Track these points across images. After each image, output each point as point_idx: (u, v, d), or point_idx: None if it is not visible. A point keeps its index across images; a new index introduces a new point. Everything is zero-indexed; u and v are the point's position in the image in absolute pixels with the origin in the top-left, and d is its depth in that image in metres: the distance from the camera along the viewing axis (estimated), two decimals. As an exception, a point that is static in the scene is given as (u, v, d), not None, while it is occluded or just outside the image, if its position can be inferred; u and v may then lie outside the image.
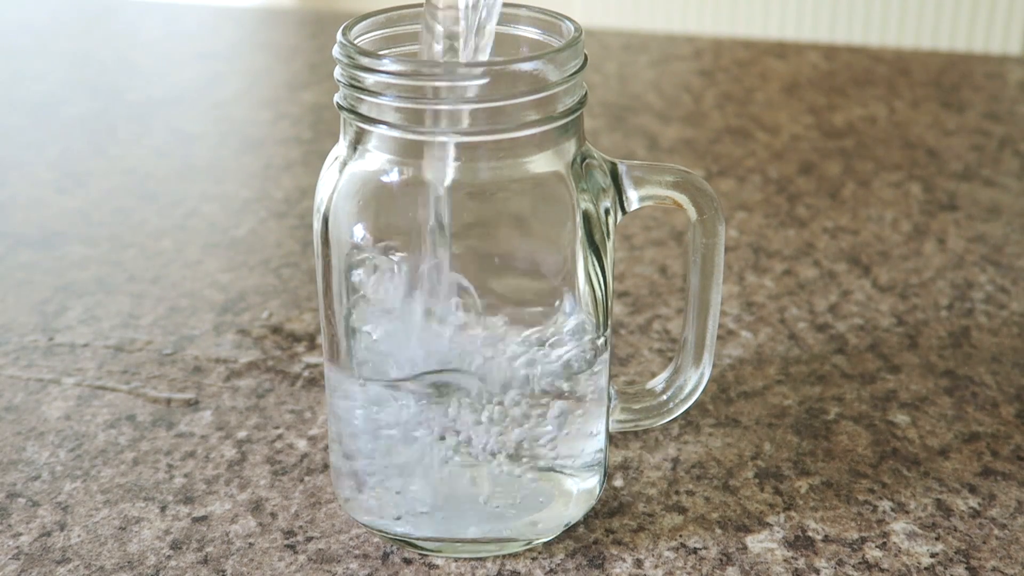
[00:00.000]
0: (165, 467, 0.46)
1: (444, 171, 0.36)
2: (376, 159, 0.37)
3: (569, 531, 0.42)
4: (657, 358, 0.54)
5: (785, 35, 1.69)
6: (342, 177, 0.38)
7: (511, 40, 0.40)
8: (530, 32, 0.40)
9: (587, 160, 0.39)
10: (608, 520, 0.43)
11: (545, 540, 0.42)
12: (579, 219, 0.38)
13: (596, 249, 0.39)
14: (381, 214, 0.38)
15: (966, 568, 0.41)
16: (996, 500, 0.44)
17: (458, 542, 0.41)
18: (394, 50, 0.40)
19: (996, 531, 0.43)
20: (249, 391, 0.51)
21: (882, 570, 0.41)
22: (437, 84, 0.35)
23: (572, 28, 0.39)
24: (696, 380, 0.44)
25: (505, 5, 0.40)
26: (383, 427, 0.39)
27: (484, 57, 0.38)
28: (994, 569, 0.41)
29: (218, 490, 0.45)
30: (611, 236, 0.39)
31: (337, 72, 0.37)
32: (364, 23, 0.39)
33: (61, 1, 1.19)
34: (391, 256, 0.37)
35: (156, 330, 0.56)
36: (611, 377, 0.43)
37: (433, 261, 0.37)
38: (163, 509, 0.44)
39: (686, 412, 0.47)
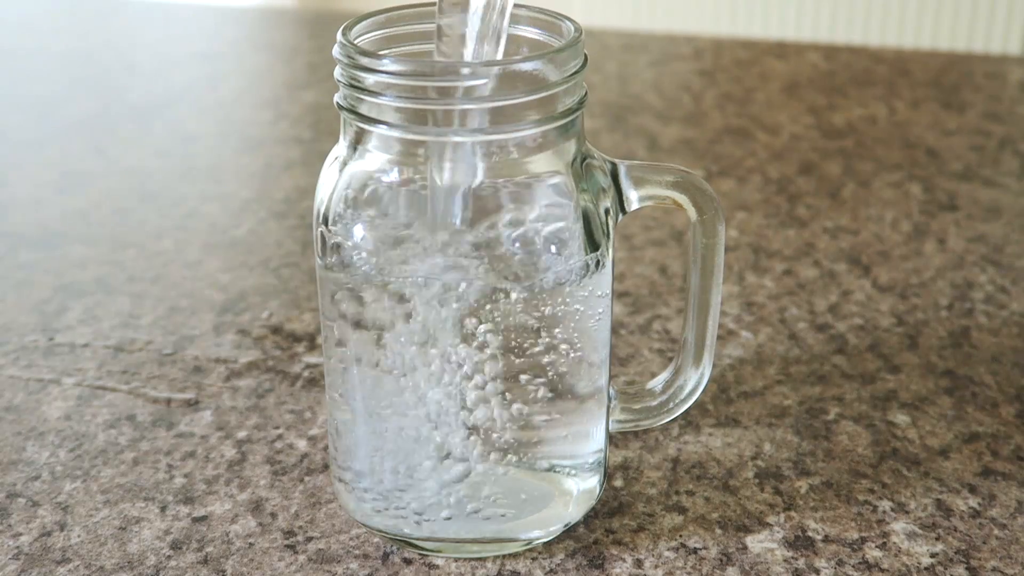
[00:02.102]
0: (165, 467, 0.46)
1: (459, 170, 0.37)
2: (376, 159, 0.37)
3: (569, 531, 0.42)
4: (657, 358, 0.54)
5: (785, 35, 1.69)
6: (342, 177, 0.38)
7: (511, 40, 0.40)
8: (530, 32, 0.40)
9: (587, 160, 0.39)
10: (608, 520, 0.43)
11: (545, 540, 0.42)
12: (579, 219, 0.38)
13: (596, 249, 0.39)
14: (381, 214, 0.38)
15: (966, 568, 0.41)
16: (996, 500, 0.44)
17: (458, 542, 0.41)
18: (394, 50, 0.40)
19: (996, 531, 0.43)
20: (249, 391, 0.51)
21: (882, 570, 0.41)
22: (437, 84, 0.35)
23: (572, 28, 0.39)
24: (696, 380, 0.44)
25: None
26: (382, 407, 0.39)
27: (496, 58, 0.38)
28: (994, 569, 0.41)
29: (218, 490, 0.45)
30: (611, 236, 0.39)
31: (337, 72, 0.37)
32: (364, 23, 0.39)
33: (61, 1, 1.19)
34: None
35: (156, 330, 0.56)
36: (611, 377, 0.43)
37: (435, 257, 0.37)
38: (163, 509, 0.44)
39: (686, 412, 0.47)
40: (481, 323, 0.38)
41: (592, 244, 0.38)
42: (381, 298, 0.38)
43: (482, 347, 0.38)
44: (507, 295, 0.37)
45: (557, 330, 0.38)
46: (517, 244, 0.37)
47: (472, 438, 0.39)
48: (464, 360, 0.38)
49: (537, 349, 0.38)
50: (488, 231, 0.37)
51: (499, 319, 0.38)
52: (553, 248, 0.38)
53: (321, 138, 0.81)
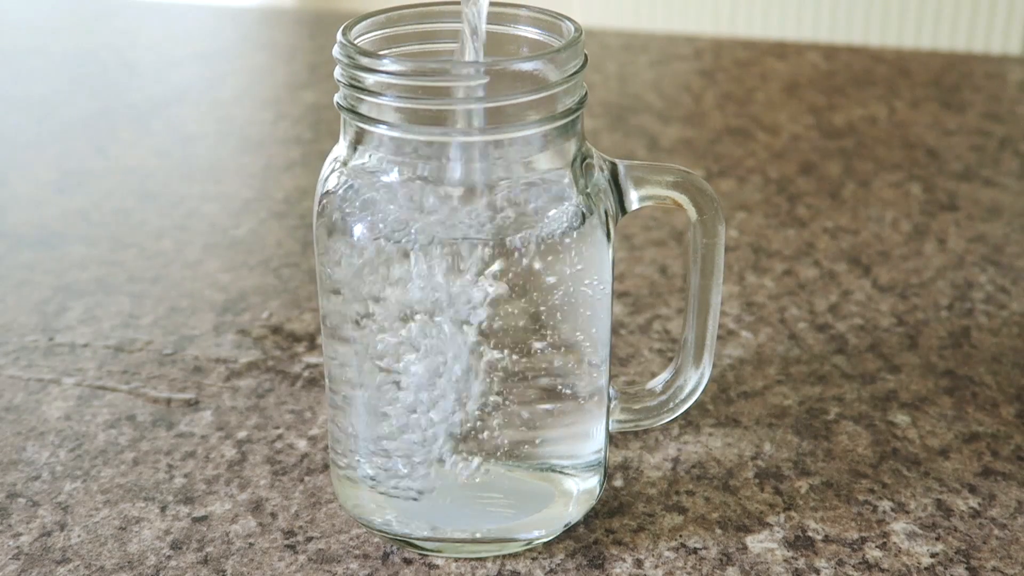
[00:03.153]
0: (165, 467, 0.46)
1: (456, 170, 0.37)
2: (376, 159, 0.37)
3: (569, 531, 0.42)
4: (657, 358, 0.54)
5: (785, 35, 1.69)
6: (342, 177, 0.38)
7: (511, 40, 0.40)
8: (530, 32, 0.40)
9: (587, 160, 0.39)
10: (608, 520, 0.43)
11: (545, 540, 0.42)
12: (579, 219, 0.38)
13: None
14: (381, 214, 0.38)
15: (966, 568, 0.41)
16: (996, 500, 0.44)
17: (458, 542, 0.41)
18: (394, 50, 0.40)
19: (996, 531, 0.43)
20: (249, 391, 0.51)
21: (882, 570, 0.41)
22: (437, 84, 0.35)
23: (572, 28, 0.39)
24: (696, 380, 0.44)
25: (505, 5, 0.40)
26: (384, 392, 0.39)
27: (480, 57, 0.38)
28: (994, 569, 0.41)
29: (218, 490, 0.45)
30: (611, 236, 0.39)
31: (337, 72, 0.37)
32: (364, 23, 0.39)
33: (61, 1, 1.19)
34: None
35: (156, 330, 0.56)
36: (611, 377, 0.43)
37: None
38: (163, 509, 0.44)
39: (686, 412, 0.47)
40: (480, 313, 0.37)
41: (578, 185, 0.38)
42: (378, 284, 0.38)
43: (482, 345, 0.38)
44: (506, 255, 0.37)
45: (557, 329, 0.38)
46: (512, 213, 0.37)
47: (471, 438, 0.39)
48: (462, 356, 0.38)
49: (537, 348, 0.38)
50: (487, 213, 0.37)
51: (498, 313, 0.38)
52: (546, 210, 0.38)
53: (321, 138, 0.81)
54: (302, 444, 0.47)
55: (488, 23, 0.40)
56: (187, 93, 0.90)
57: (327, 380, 0.41)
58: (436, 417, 0.39)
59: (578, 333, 0.39)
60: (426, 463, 0.39)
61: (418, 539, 0.41)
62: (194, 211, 0.69)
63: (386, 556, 0.41)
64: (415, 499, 0.40)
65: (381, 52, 0.38)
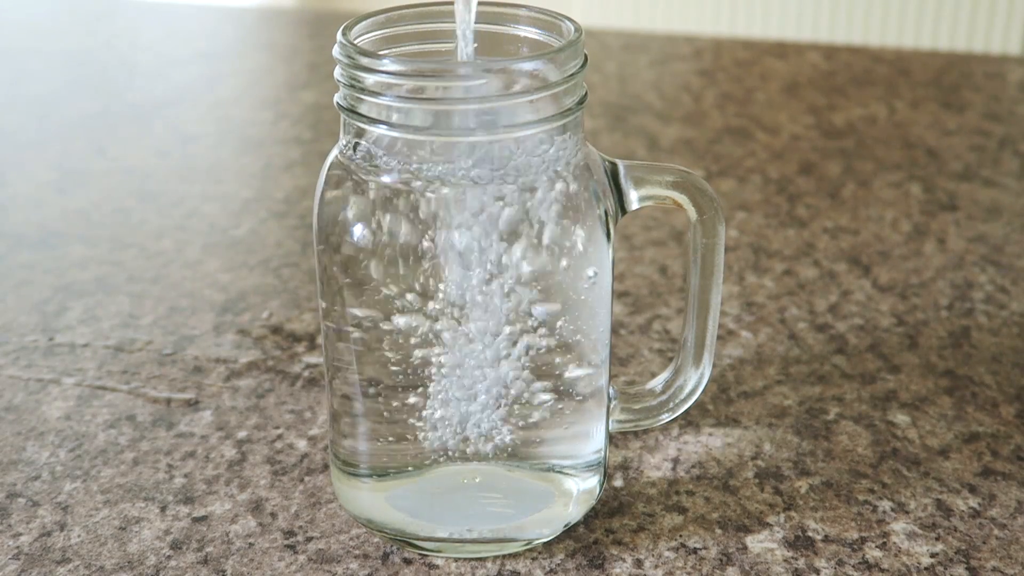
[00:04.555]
0: (165, 467, 0.46)
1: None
2: (376, 159, 0.37)
3: (569, 531, 0.42)
4: (657, 358, 0.54)
5: (785, 35, 1.69)
6: (342, 177, 0.38)
7: (511, 40, 0.40)
8: (530, 32, 0.40)
9: (587, 160, 0.39)
10: (608, 520, 0.43)
11: (545, 540, 0.42)
12: (579, 219, 0.38)
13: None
14: (381, 214, 0.38)
15: (966, 568, 0.41)
16: (996, 500, 0.44)
17: (458, 542, 0.41)
18: (394, 50, 0.40)
19: (996, 531, 0.43)
20: (249, 391, 0.51)
21: (882, 570, 0.41)
22: (437, 84, 0.35)
23: (572, 28, 0.39)
24: (696, 380, 0.44)
25: (505, 5, 0.40)
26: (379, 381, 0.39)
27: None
28: (994, 569, 0.41)
29: (218, 490, 0.45)
30: (611, 236, 0.39)
31: (337, 72, 0.37)
32: (364, 23, 0.39)
33: (61, 1, 1.19)
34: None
35: (156, 330, 0.56)
36: (611, 377, 0.43)
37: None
38: (163, 509, 0.44)
39: (686, 412, 0.47)
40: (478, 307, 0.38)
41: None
42: (380, 281, 0.38)
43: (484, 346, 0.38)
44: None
45: (557, 328, 0.38)
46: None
47: (470, 439, 0.39)
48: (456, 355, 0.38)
49: (537, 348, 0.38)
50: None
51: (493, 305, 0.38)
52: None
53: (321, 138, 0.81)
54: (302, 444, 0.47)
55: (488, 23, 0.40)
56: (187, 93, 0.90)
57: (327, 379, 0.41)
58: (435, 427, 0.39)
59: (578, 333, 0.39)
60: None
61: (418, 539, 0.41)
62: (194, 211, 0.69)
63: (386, 556, 0.41)
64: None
65: (381, 52, 0.38)
